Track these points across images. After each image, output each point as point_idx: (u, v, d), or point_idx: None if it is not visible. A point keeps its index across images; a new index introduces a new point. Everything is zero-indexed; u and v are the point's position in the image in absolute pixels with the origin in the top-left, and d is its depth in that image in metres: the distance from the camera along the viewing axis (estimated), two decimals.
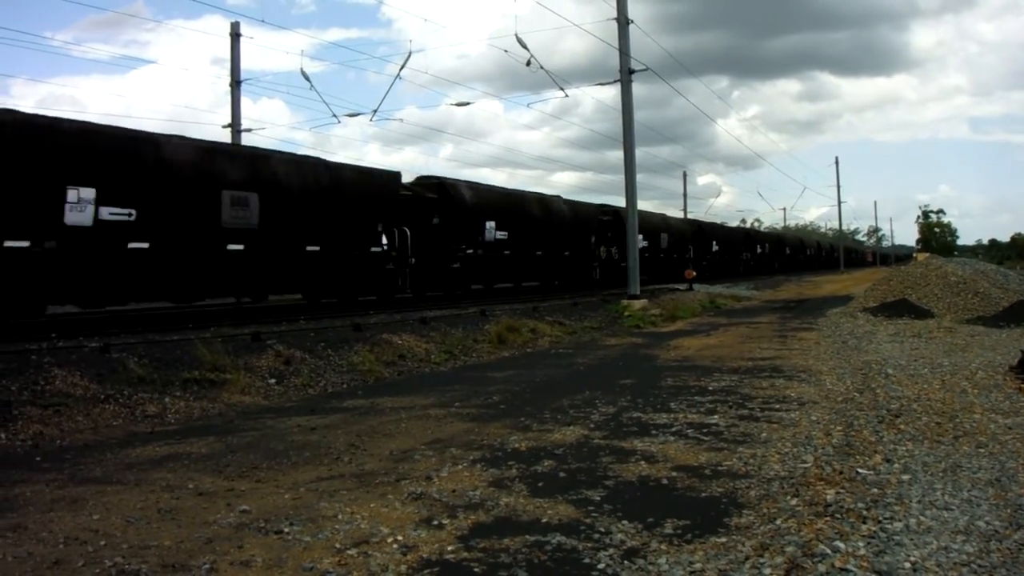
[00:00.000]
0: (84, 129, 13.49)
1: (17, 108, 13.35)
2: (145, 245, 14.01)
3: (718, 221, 64.21)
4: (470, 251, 23.69)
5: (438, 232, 22.37)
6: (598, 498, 5.27)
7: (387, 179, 20.87)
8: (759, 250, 60.12)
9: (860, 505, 4.94)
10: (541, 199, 29.06)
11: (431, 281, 22.57)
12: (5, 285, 12.21)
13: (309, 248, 17.81)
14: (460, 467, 6.18)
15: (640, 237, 32.64)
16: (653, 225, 38.24)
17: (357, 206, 19.09)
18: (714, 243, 47.31)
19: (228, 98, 28.55)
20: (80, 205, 12.93)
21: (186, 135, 16.15)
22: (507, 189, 28.51)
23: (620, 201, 28.89)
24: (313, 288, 18.98)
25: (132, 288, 14.22)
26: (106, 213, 13.32)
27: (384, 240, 20.31)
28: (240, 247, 15.85)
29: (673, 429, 7.42)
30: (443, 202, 22.79)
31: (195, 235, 14.91)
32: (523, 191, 29.32)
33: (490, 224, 24.36)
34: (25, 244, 12.38)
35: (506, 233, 25.06)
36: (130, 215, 13.65)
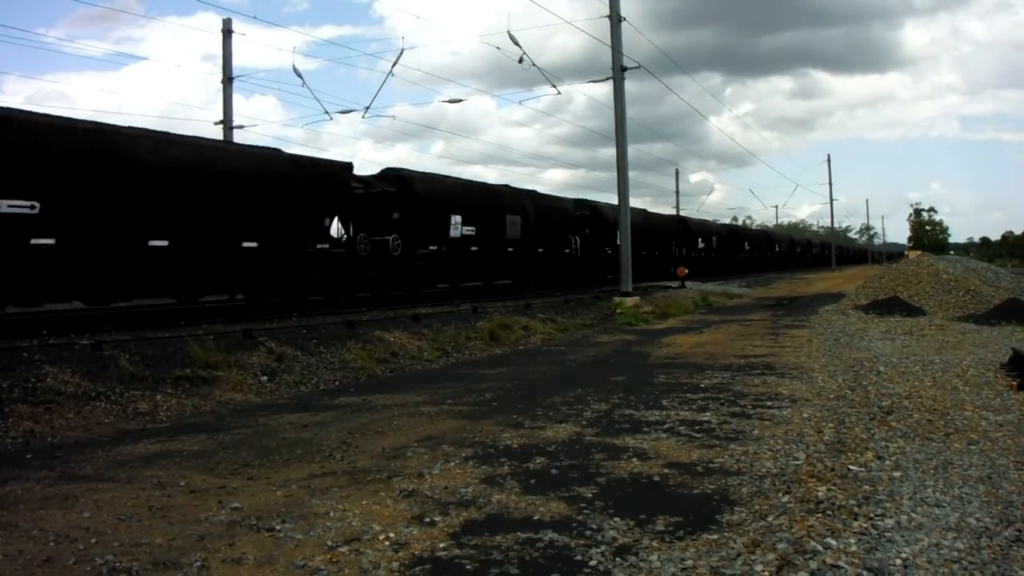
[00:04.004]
0: None
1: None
2: None
3: (708, 216, 60.31)
4: None
5: None
6: (590, 495, 5.27)
7: None
8: (702, 245, 47.75)
9: (851, 502, 4.95)
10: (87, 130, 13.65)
11: None
12: None
13: None
14: (452, 464, 6.18)
15: (458, 219, 22.79)
16: (493, 200, 25.19)
17: None
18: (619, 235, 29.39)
19: (220, 95, 28.54)
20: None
21: None
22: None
23: (614, 198, 27.97)
24: None
25: None
26: None
27: None
28: None
29: (665, 426, 7.43)
30: None
31: None
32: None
33: None
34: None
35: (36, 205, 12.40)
36: None
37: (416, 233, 21.30)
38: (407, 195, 21.07)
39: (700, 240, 47.38)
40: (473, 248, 23.86)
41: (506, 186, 27.08)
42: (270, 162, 17.16)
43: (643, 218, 37.71)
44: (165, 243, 14.74)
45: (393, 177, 21.32)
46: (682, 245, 43.62)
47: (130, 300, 15.73)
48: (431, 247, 22.16)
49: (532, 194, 28.24)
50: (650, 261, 35.58)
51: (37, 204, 12.51)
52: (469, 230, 23.56)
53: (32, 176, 12.40)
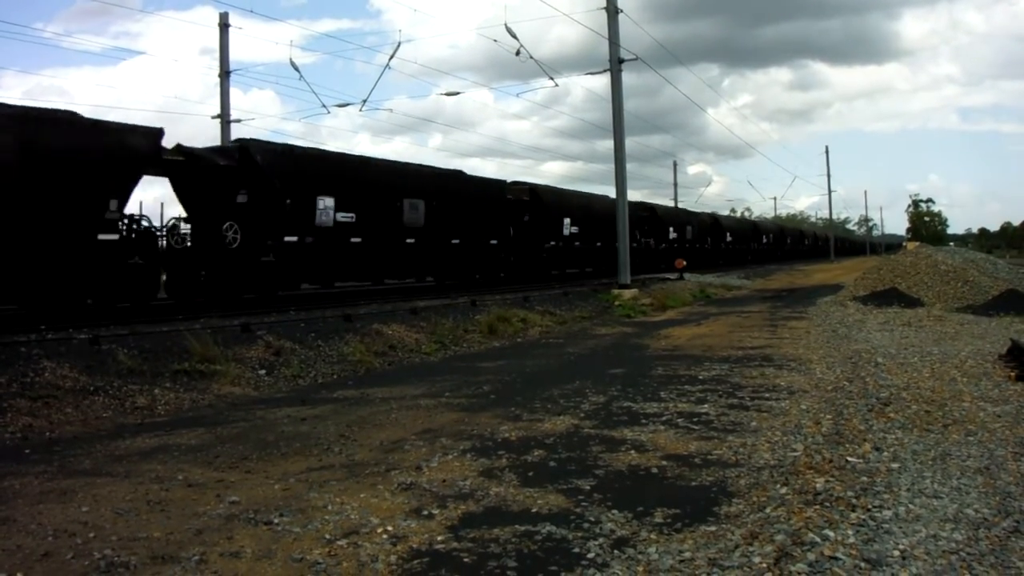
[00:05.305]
0: None
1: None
2: None
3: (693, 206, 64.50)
4: None
5: None
6: (588, 487, 5.27)
7: None
8: (765, 241, 59.98)
9: (849, 493, 4.96)
10: None
11: None
12: None
13: None
14: (450, 457, 6.18)
15: (670, 229, 38.67)
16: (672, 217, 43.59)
17: None
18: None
19: (218, 89, 28.43)
20: None
21: None
22: None
23: (611, 191, 28.87)
24: None
25: None
26: None
27: None
28: None
29: (663, 418, 7.43)
30: None
31: None
32: None
33: None
34: None
35: None
36: None
37: (657, 238, 39.57)
38: (654, 217, 39.68)
39: (764, 237, 63.14)
40: (663, 246, 40.43)
41: (673, 208, 47.54)
42: (604, 203, 32.38)
43: (736, 223, 58.81)
44: (600, 244, 31.99)
45: (647, 206, 40.07)
46: (754, 241, 58.60)
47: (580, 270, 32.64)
48: (661, 245, 40.53)
49: (689, 212, 50.03)
50: (737, 253, 52.05)
51: (578, 228, 30.73)
52: (674, 235, 41.63)
53: (577, 218, 30.62)
